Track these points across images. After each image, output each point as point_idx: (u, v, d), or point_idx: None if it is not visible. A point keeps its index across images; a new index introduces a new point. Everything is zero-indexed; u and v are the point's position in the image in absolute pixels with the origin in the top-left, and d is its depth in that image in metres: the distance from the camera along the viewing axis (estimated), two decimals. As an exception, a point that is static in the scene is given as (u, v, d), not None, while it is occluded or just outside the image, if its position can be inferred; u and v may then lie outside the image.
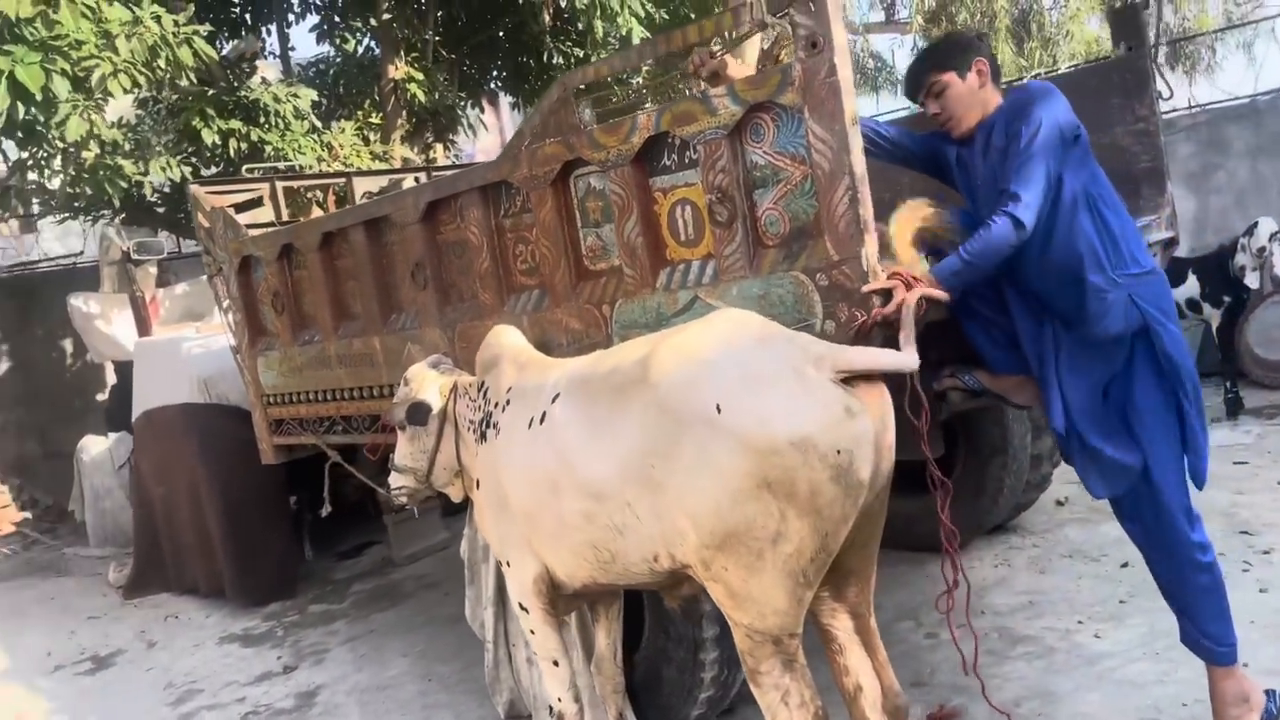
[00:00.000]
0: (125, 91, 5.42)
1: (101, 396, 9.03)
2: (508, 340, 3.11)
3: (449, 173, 4.58)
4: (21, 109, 5.02)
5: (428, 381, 3.29)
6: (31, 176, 6.51)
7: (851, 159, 2.60)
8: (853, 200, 2.62)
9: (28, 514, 8.65)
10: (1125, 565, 4.22)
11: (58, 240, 11.76)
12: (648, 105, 6.20)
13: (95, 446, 7.60)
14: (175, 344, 6.03)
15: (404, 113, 8.34)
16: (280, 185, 5.32)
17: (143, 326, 7.31)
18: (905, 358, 2.40)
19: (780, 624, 2.34)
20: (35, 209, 7.50)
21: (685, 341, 2.45)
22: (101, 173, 6.26)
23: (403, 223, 3.91)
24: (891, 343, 2.52)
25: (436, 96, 8.43)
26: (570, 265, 3.39)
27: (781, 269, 2.82)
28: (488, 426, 2.97)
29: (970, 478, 4.61)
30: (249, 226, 4.95)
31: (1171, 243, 4.14)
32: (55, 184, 6.65)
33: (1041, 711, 3.26)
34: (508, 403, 2.90)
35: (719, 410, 2.25)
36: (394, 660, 4.68)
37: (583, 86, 4.94)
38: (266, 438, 4.94)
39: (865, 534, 2.45)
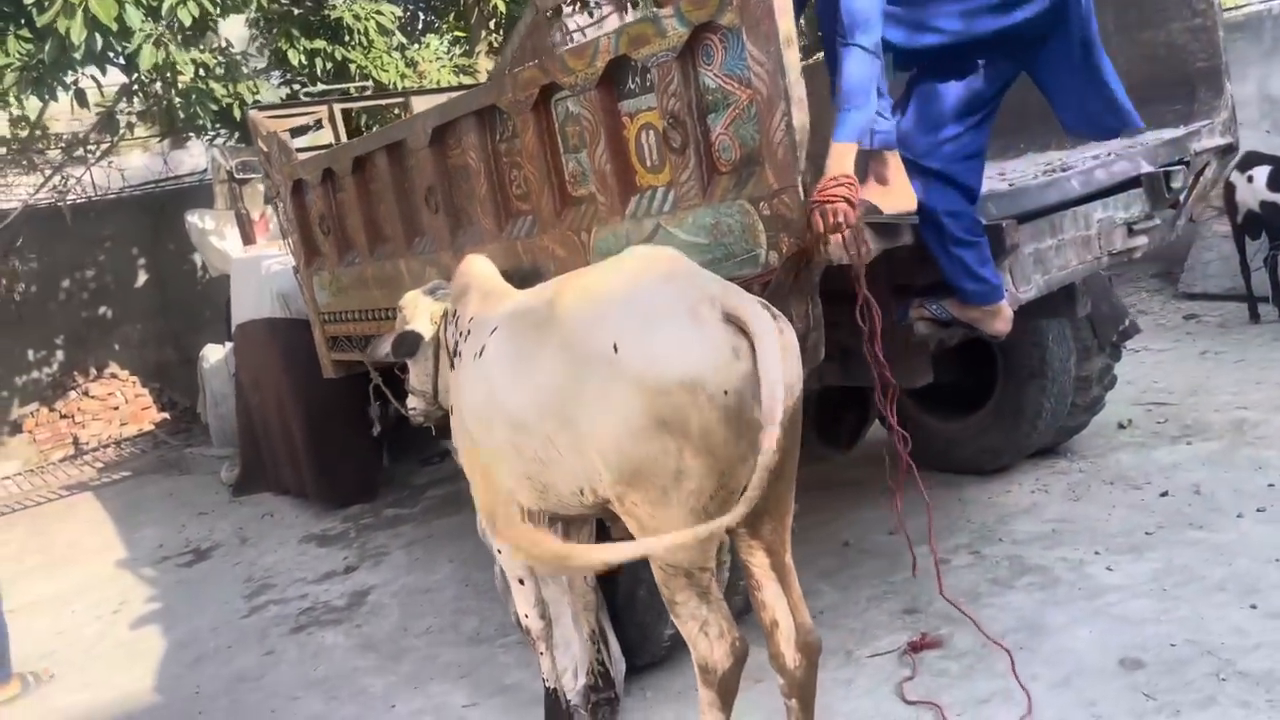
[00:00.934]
0: (194, 19, 5.65)
1: (222, 307, 9.69)
2: (476, 270, 3.17)
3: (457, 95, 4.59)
4: (99, 40, 5.32)
5: (420, 309, 3.40)
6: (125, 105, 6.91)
7: (787, 82, 2.50)
8: (788, 126, 2.52)
9: (166, 415, 9.44)
10: (1164, 495, 4.01)
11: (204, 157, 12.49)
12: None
13: (214, 354, 8.17)
14: (260, 261, 6.38)
15: (488, 24, 8.37)
16: (338, 108, 5.48)
17: (246, 242, 7.74)
18: (770, 342, 2.26)
19: (689, 559, 2.37)
20: (136, 131, 7.98)
21: (592, 280, 2.45)
22: (194, 95, 6.59)
23: (415, 148, 3.99)
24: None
25: (520, 6, 8.41)
26: (554, 191, 3.40)
27: (730, 197, 2.76)
28: (454, 355, 3.07)
29: (1008, 401, 4.43)
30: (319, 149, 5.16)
31: (1229, 150, 3.79)
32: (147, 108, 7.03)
33: (1025, 644, 3.18)
34: (468, 333, 2.97)
35: (616, 349, 2.26)
36: (441, 565, 4.95)
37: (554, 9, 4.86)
38: (325, 354, 5.22)
39: (773, 473, 2.43)
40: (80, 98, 6.33)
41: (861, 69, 2.60)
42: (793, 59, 2.51)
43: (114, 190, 9.36)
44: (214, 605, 5.06)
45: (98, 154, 8.45)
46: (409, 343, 3.29)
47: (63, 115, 8.32)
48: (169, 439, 8.89)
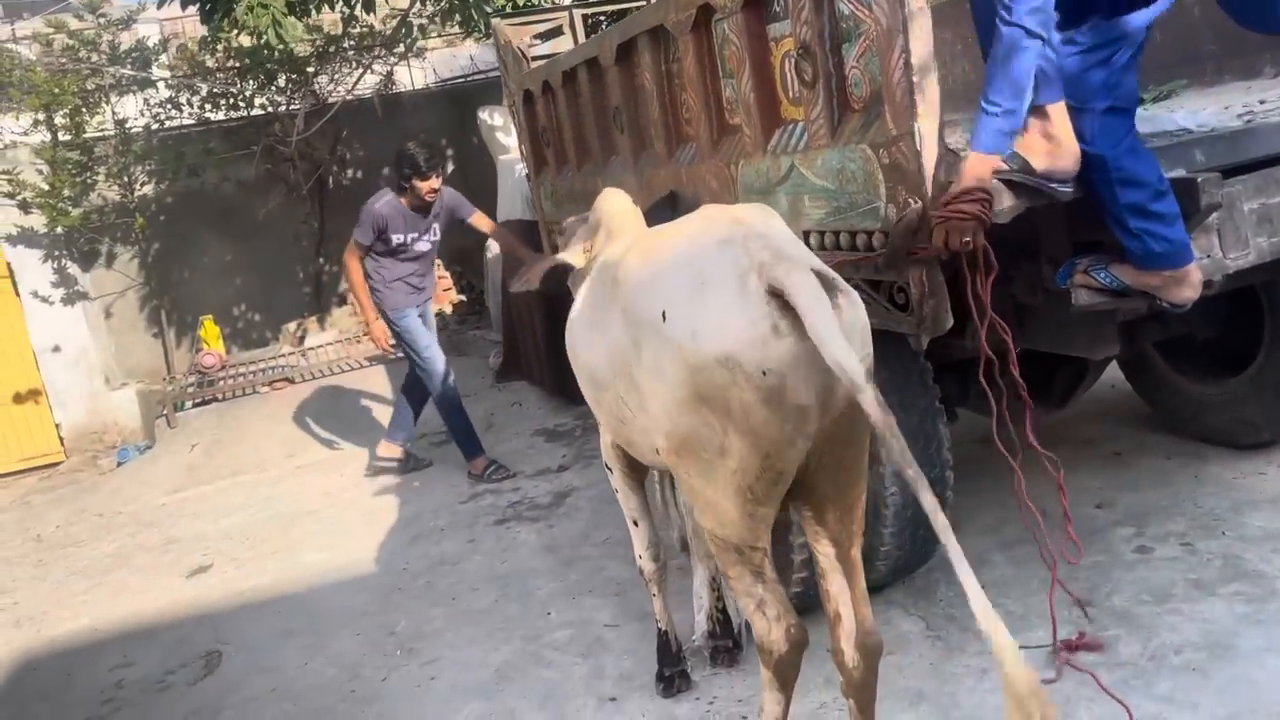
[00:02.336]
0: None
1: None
2: (607, 206, 3.09)
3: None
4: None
5: (575, 240, 3.39)
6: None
7: (906, 11, 2.18)
8: (906, 65, 2.21)
9: (463, 297, 10.23)
10: None
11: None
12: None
13: (496, 245, 8.70)
14: (513, 164, 6.63)
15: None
16: (578, 14, 5.49)
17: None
18: (821, 315, 1.96)
19: (738, 535, 2.25)
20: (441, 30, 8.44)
21: (654, 242, 2.32)
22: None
23: (605, 65, 3.92)
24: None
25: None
26: (711, 119, 3.23)
27: (855, 140, 2.49)
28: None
29: (1273, 367, 3.72)
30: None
31: None
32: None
33: (1200, 665, 2.74)
34: (587, 275, 2.93)
35: (664, 318, 2.13)
36: (641, 474, 5.06)
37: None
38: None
39: (832, 459, 2.21)
40: (368, 4, 6.81)
41: (1022, 58, 2.18)
42: (915, -14, 2.17)
43: (429, 85, 10.06)
44: (443, 488, 5.52)
45: (402, 52, 9.09)
46: (557, 276, 3.29)
47: (384, 10, 9.02)
48: (459, 321, 9.67)
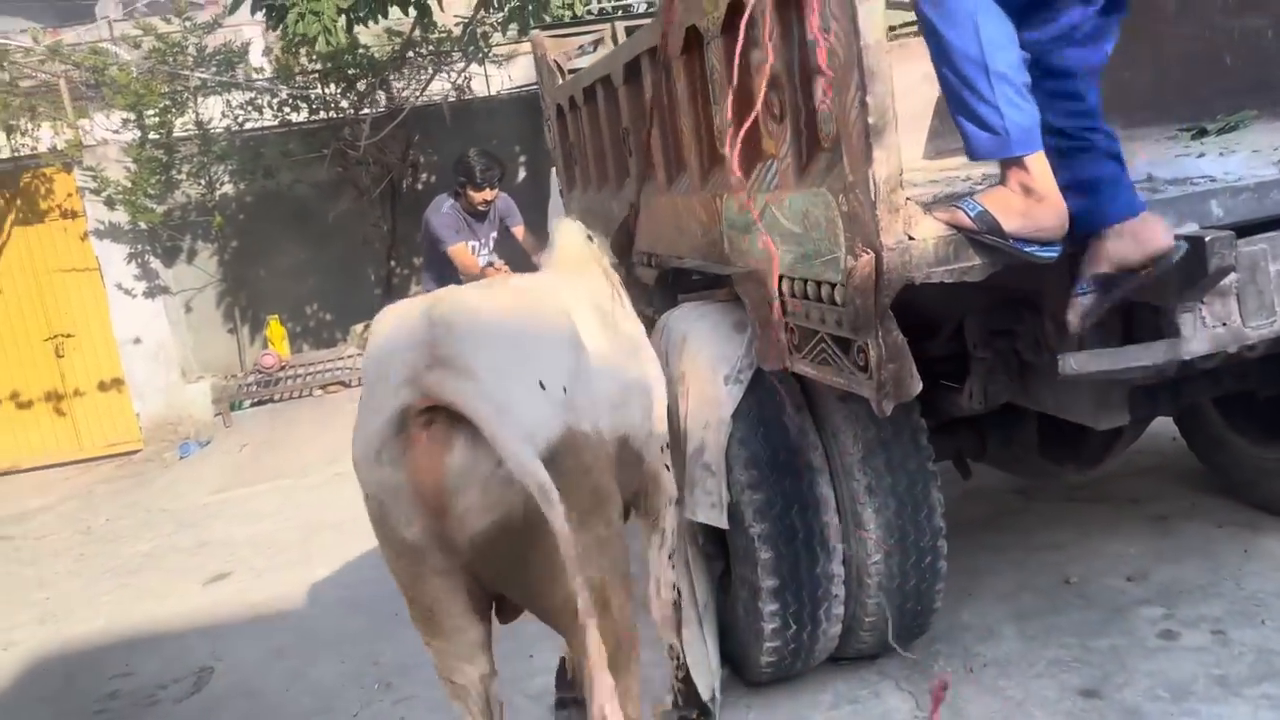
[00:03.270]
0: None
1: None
2: (558, 239, 3.02)
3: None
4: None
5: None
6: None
7: (860, 44, 1.95)
8: (861, 104, 1.98)
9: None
10: None
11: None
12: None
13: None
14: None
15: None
16: (621, 26, 5.32)
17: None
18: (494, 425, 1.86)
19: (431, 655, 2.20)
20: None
21: (408, 307, 2.21)
22: (530, 7, 6.78)
23: (617, 84, 3.75)
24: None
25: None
26: (701, 148, 3.03)
27: (817, 183, 2.26)
28: None
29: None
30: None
31: None
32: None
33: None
34: None
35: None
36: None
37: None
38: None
39: (512, 578, 2.11)
40: (424, 12, 6.77)
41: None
42: (871, 17, 1.94)
43: (499, 91, 10.05)
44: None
45: (477, 57, 9.07)
46: None
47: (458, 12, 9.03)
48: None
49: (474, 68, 9.94)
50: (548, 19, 6.97)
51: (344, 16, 5.96)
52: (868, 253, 2.04)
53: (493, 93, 10.37)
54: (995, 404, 2.81)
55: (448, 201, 5.64)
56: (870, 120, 1.96)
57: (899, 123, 1.99)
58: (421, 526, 1.97)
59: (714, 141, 2.98)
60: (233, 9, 7.29)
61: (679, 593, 2.92)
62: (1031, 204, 2.04)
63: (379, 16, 6.40)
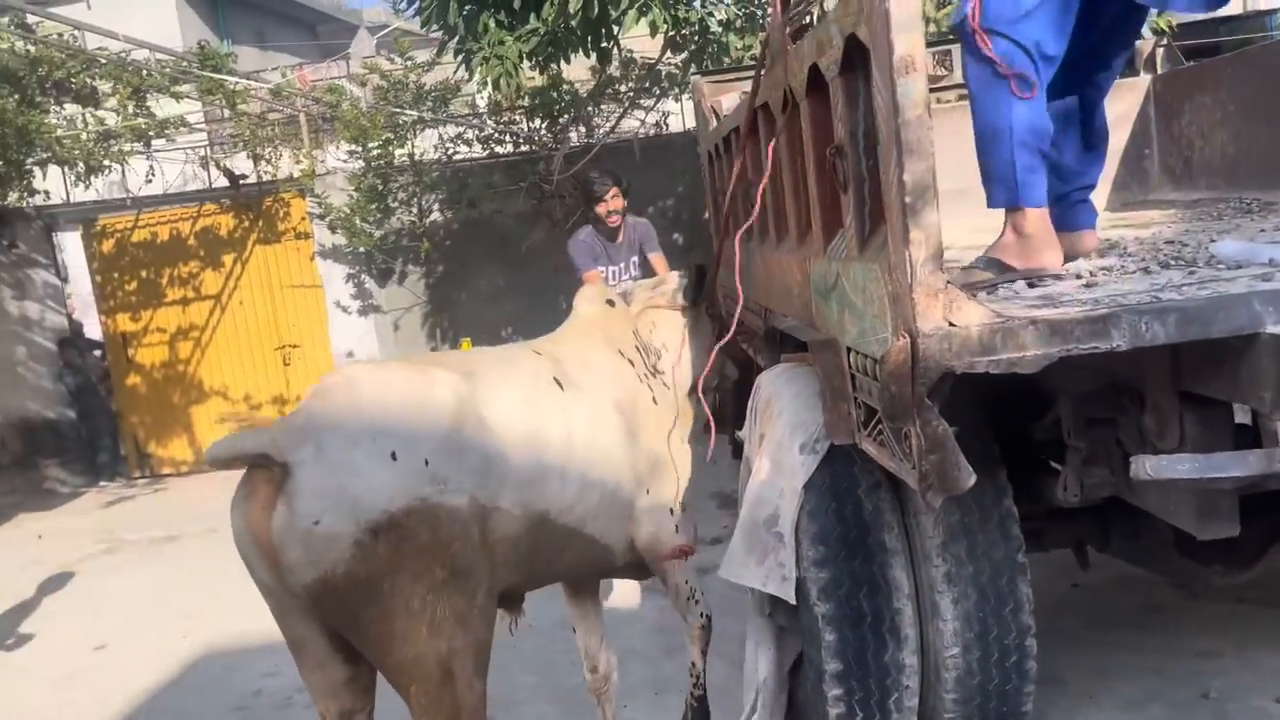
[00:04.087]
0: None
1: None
2: (576, 304, 3.39)
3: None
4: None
5: None
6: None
7: (899, 120, 1.85)
8: (900, 184, 1.88)
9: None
10: None
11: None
12: None
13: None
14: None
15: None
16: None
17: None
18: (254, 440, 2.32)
19: None
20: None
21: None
22: (710, 49, 6.84)
23: (744, 134, 3.71)
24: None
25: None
26: (801, 208, 2.95)
27: (873, 257, 2.16)
28: None
29: None
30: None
31: None
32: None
33: None
34: None
35: None
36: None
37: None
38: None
39: (360, 649, 2.39)
40: (603, 56, 6.96)
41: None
42: (912, 91, 1.84)
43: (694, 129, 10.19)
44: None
45: (668, 95, 9.23)
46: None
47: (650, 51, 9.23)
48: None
49: (671, 105, 10.11)
50: (727, 61, 7.00)
51: (527, 60, 6.21)
52: (904, 337, 1.93)
53: (685, 129, 10.53)
54: (1094, 498, 2.57)
55: (585, 229, 5.77)
56: (907, 199, 1.86)
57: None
58: (265, 572, 2.26)
59: (808, 204, 2.91)
60: (439, 52, 7.76)
61: (707, 619, 3.24)
62: (1027, 244, 2.13)
63: (563, 61, 6.63)
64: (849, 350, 2.39)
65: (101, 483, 10.76)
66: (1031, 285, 2.27)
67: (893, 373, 1.94)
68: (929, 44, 5.05)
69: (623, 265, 5.76)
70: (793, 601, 2.72)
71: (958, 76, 5.07)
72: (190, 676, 4.70)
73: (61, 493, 10.50)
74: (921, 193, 1.86)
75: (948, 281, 1.89)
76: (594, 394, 2.88)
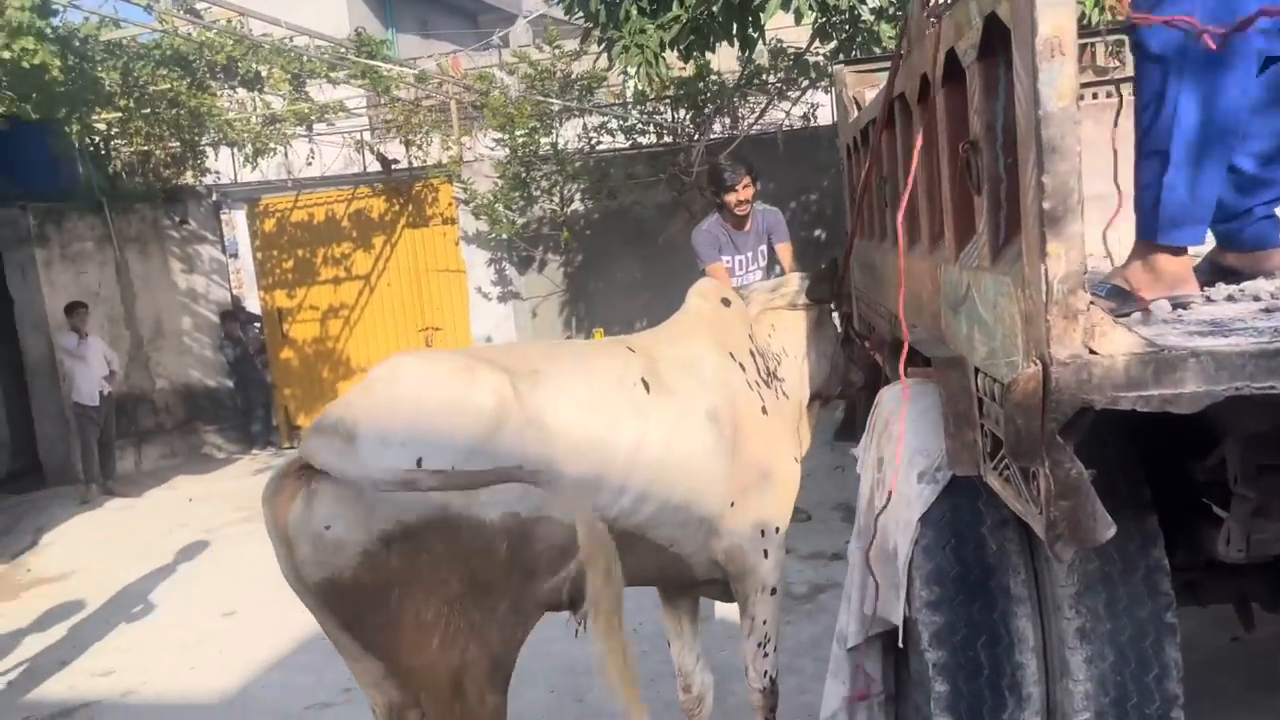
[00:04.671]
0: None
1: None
2: (689, 296, 3.31)
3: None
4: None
5: None
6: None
7: (1040, 112, 1.60)
8: (1038, 184, 1.62)
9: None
10: None
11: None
12: None
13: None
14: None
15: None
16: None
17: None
18: None
19: None
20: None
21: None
22: (859, 38, 6.52)
23: (880, 127, 3.44)
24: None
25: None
26: (934, 210, 2.67)
27: (1006, 269, 1.89)
28: None
29: None
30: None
31: None
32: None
33: None
34: None
35: None
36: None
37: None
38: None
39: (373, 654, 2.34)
40: (748, 44, 6.71)
41: None
42: (1057, 78, 1.57)
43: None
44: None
45: (815, 85, 8.91)
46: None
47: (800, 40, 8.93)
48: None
49: (820, 97, 9.78)
50: (878, 52, 6.65)
51: (670, 49, 6.04)
52: (1035, 364, 1.67)
53: (833, 122, 10.17)
54: (1263, 556, 2.22)
55: (711, 218, 5.56)
56: (1045, 205, 1.60)
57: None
58: (285, 566, 2.22)
59: (941, 206, 2.63)
60: (583, 40, 7.70)
61: (771, 683, 3.01)
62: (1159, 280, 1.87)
63: (708, 50, 6.43)
64: (977, 371, 2.13)
65: (254, 450, 11.24)
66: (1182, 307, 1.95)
67: (1019, 404, 1.68)
68: (1099, 30, 4.62)
69: (750, 255, 5.49)
70: (900, 644, 2.47)
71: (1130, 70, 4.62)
72: (303, 655, 4.77)
73: (217, 458, 11.02)
74: (1063, 198, 1.59)
75: (1091, 302, 1.62)
76: (687, 399, 2.69)
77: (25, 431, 10.12)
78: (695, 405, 2.70)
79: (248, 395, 11.58)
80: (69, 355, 9.17)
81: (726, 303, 3.18)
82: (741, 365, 2.96)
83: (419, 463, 2.16)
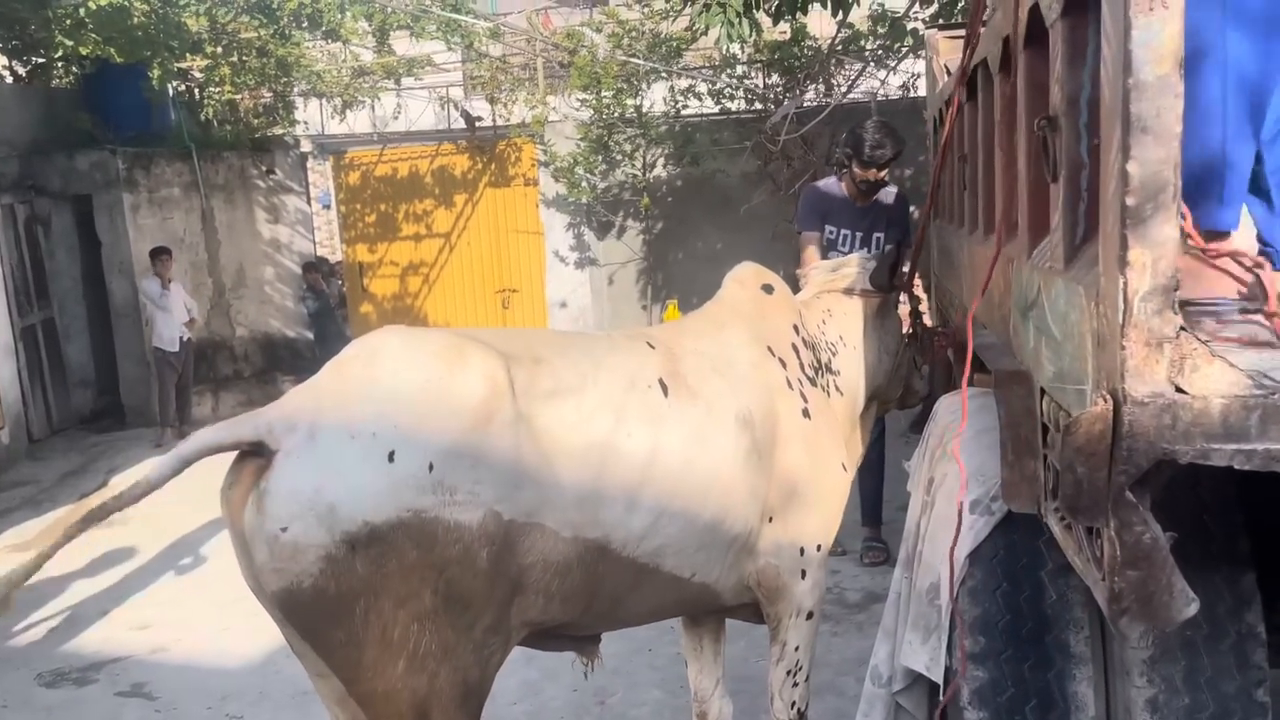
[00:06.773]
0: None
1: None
2: (729, 280, 2.98)
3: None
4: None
5: None
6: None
7: (1131, 79, 1.25)
8: (1122, 175, 1.28)
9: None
10: None
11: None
12: None
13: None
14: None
15: None
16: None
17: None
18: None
19: None
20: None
21: None
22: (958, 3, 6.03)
23: (962, 101, 3.05)
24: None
25: None
26: (1012, 200, 2.30)
27: (1080, 275, 1.54)
28: None
29: None
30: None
31: None
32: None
33: None
34: None
35: None
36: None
37: None
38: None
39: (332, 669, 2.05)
40: (841, 7, 6.26)
41: None
42: (1154, 38, 1.23)
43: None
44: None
45: (902, 55, 8.39)
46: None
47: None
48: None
49: (920, 66, 9.23)
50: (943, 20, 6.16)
51: (759, 10, 5.66)
52: (1105, 400, 1.33)
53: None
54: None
55: (829, 179, 4.81)
56: (1129, 200, 1.25)
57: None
58: (244, 571, 1.96)
59: (1015, 195, 2.27)
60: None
61: (800, 715, 2.68)
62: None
63: (797, 13, 6.02)
64: (1043, 393, 1.79)
65: (328, 404, 11.28)
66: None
67: (1081, 448, 1.35)
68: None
69: (860, 235, 4.67)
70: (942, 698, 2.15)
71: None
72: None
73: (292, 409, 11.08)
74: (1154, 193, 1.24)
75: (1182, 328, 1.27)
76: (712, 402, 2.36)
77: (109, 372, 10.31)
78: (723, 408, 2.38)
79: (326, 347, 11.60)
80: (151, 301, 9.27)
81: (769, 289, 2.82)
82: (782, 361, 2.62)
83: (391, 457, 1.90)
